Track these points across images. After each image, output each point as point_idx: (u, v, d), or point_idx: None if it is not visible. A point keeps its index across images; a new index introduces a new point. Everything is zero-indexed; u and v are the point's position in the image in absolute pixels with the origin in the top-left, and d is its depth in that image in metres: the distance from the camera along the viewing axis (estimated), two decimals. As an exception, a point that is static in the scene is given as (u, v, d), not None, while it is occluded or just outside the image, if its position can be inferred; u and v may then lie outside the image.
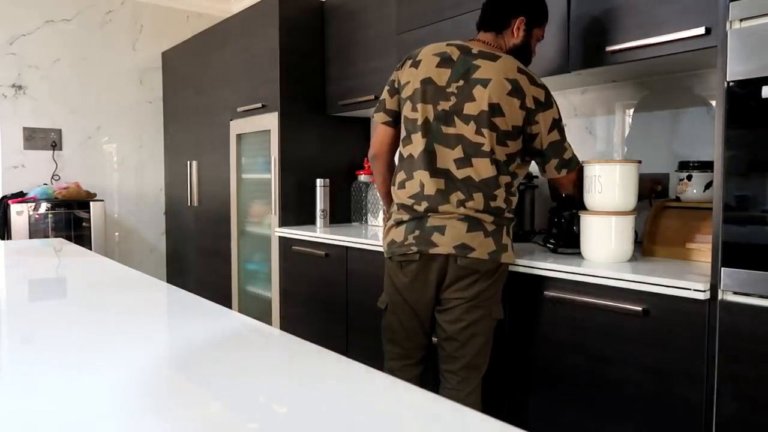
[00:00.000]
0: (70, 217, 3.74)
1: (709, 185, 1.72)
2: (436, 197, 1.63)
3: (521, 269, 1.73)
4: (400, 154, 1.75)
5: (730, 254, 1.32)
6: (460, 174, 1.62)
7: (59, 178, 4.00)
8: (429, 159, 1.65)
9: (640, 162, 1.70)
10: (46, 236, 3.64)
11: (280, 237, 2.95)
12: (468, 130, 1.61)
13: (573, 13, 1.89)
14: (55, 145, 3.99)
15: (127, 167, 4.32)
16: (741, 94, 1.29)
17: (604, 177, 1.66)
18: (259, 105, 3.10)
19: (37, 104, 3.93)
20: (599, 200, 1.68)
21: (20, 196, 3.71)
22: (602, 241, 1.66)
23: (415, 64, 1.71)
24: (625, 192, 1.66)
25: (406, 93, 1.71)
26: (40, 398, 0.68)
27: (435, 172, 1.64)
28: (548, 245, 1.91)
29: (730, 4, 1.32)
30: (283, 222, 3.01)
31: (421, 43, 1.88)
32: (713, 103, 1.94)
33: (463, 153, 1.62)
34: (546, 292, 1.68)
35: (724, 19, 1.33)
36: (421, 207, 1.65)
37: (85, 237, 3.78)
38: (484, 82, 1.61)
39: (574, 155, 1.74)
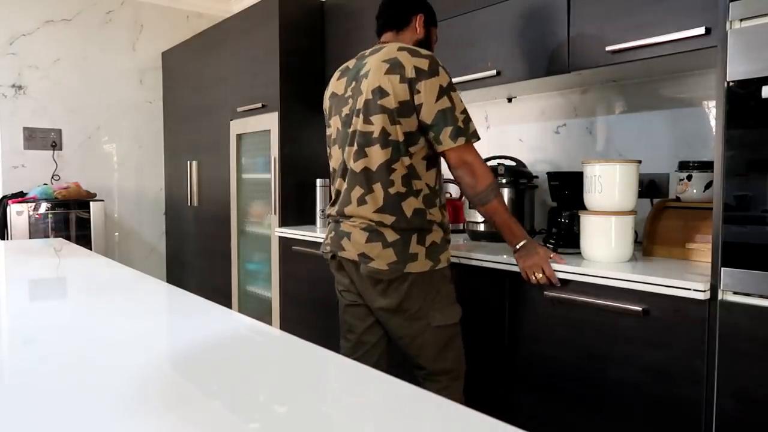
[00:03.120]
0: (70, 217, 3.74)
1: (709, 185, 1.72)
2: (343, 198, 1.68)
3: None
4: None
5: (730, 254, 1.32)
6: (357, 167, 1.63)
7: (59, 178, 4.00)
8: (341, 165, 1.72)
9: (640, 162, 1.70)
10: (46, 236, 3.64)
11: (280, 237, 2.95)
12: (359, 123, 1.64)
13: (573, 13, 1.89)
14: (55, 145, 3.99)
15: (127, 167, 4.32)
16: (741, 94, 1.29)
17: (604, 177, 1.66)
18: (259, 105, 3.10)
19: (37, 104, 3.93)
20: (599, 200, 1.68)
21: (20, 196, 3.71)
22: (602, 241, 1.66)
23: (327, 89, 1.83)
24: (625, 192, 1.66)
25: (327, 117, 1.83)
26: (40, 398, 0.68)
27: (343, 173, 1.70)
28: (548, 245, 1.91)
29: (730, 4, 1.32)
30: (283, 222, 3.01)
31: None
32: (713, 103, 1.94)
33: (357, 146, 1.64)
34: (546, 292, 1.68)
35: (724, 19, 1.33)
36: (334, 210, 1.72)
37: (85, 237, 3.78)
38: (367, 74, 1.64)
39: (471, 125, 1.60)
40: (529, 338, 1.75)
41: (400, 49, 1.61)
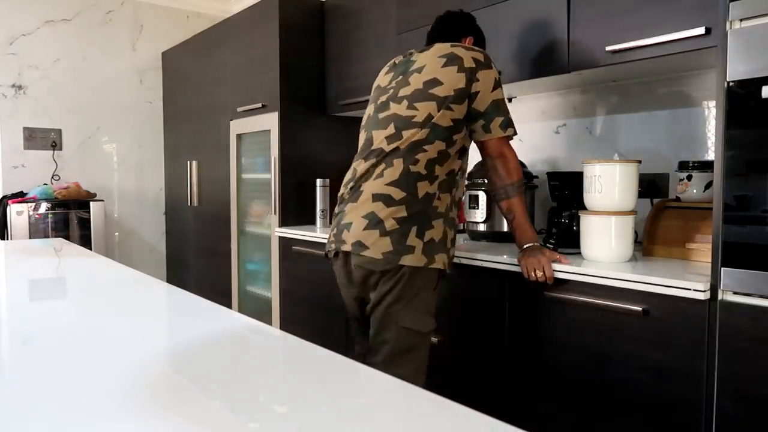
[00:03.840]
0: (70, 217, 3.74)
1: (709, 185, 1.72)
2: (365, 172, 1.66)
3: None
4: None
5: (730, 254, 1.32)
6: (389, 147, 1.63)
7: (59, 178, 4.00)
8: (365, 147, 1.71)
9: (640, 162, 1.70)
10: (46, 236, 3.64)
11: (280, 237, 2.95)
12: (400, 108, 1.66)
13: (573, 13, 1.89)
14: (55, 145, 3.99)
15: (127, 167, 4.32)
16: (741, 94, 1.29)
17: (604, 177, 1.66)
18: (259, 105, 3.10)
19: (37, 104, 3.93)
20: (599, 200, 1.68)
21: (20, 196, 3.71)
22: (602, 241, 1.66)
23: (375, 82, 1.87)
24: (625, 192, 1.66)
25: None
26: (40, 398, 0.68)
27: (369, 154, 1.68)
28: (548, 245, 1.91)
29: (730, 4, 1.32)
30: (283, 222, 3.01)
31: (421, 43, 1.90)
32: (713, 103, 1.94)
33: (395, 128, 1.64)
34: (546, 292, 1.68)
35: (724, 19, 1.33)
36: (346, 189, 1.70)
37: (85, 237, 3.78)
38: (420, 69, 1.68)
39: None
40: (529, 338, 1.75)
41: (453, 46, 1.69)
